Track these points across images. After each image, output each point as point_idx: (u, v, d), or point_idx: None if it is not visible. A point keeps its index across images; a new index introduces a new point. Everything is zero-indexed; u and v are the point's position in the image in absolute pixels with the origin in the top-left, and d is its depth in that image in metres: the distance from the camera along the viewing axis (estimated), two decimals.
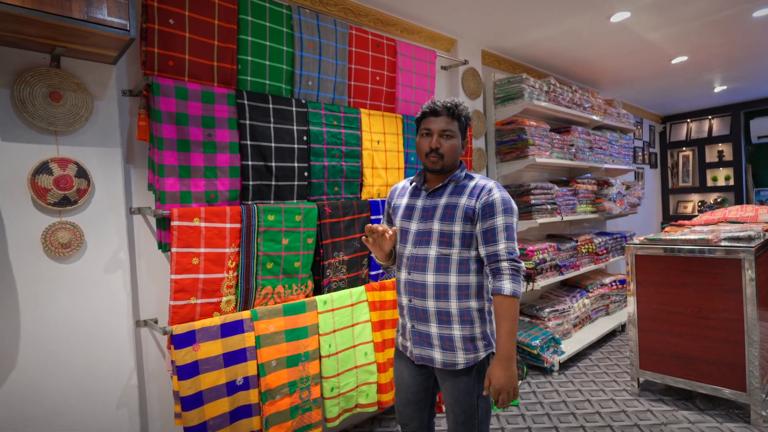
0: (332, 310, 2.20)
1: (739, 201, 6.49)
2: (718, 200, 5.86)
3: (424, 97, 2.79)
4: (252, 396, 1.89)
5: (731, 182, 6.61)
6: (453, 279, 1.42)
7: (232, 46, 1.90)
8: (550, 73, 4.27)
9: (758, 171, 6.56)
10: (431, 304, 1.43)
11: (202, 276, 1.78)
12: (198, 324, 1.76)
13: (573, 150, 3.75)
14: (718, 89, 5.39)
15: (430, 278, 1.43)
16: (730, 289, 2.46)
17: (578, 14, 2.93)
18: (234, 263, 1.88)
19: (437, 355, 1.44)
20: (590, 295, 3.96)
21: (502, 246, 1.37)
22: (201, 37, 1.81)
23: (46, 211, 1.54)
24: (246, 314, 1.91)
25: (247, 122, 1.93)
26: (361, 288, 2.36)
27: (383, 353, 2.37)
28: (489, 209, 1.39)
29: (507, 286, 1.34)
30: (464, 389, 1.43)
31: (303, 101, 2.15)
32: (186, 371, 1.71)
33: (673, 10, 2.94)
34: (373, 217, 2.41)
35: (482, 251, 1.40)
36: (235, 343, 1.86)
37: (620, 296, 4.39)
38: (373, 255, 1.71)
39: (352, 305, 2.29)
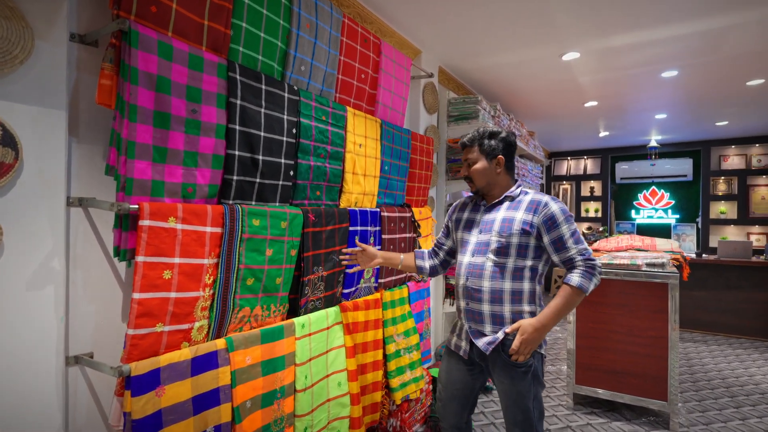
0: (309, 334, 1.88)
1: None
2: (600, 229, 6.77)
3: (400, 104, 2.64)
4: None
5: (599, 214, 7.77)
6: (507, 285, 1.52)
7: (227, 4, 1.52)
8: (485, 99, 4.48)
9: (619, 206, 7.82)
10: (486, 308, 1.53)
11: (174, 295, 1.34)
12: (164, 359, 1.31)
13: None
14: (602, 134, 6.30)
15: (486, 284, 1.53)
16: (657, 309, 2.77)
17: (536, 48, 3.10)
18: (212, 279, 1.47)
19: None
20: None
21: (573, 251, 1.47)
22: None
23: None
24: (221, 343, 1.50)
25: (238, 102, 1.55)
26: (336, 308, 2.07)
27: (357, 382, 2.10)
28: (551, 222, 1.49)
29: (575, 279, 1.45)
30: (521, 392, 1.49)
31: (295, 87, 1.83)
32: (145, 426, 1.25)
33: (609, 58, 3.30)
34: (351, 229, 2.15)
35: (555, 259, 1.50)
36: (207, 381, 1.44)
37: None
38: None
39: (328, 328, 1.99)
